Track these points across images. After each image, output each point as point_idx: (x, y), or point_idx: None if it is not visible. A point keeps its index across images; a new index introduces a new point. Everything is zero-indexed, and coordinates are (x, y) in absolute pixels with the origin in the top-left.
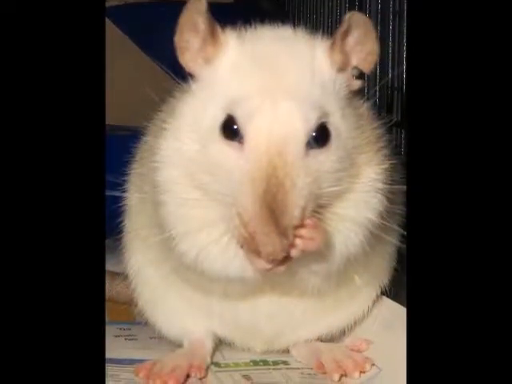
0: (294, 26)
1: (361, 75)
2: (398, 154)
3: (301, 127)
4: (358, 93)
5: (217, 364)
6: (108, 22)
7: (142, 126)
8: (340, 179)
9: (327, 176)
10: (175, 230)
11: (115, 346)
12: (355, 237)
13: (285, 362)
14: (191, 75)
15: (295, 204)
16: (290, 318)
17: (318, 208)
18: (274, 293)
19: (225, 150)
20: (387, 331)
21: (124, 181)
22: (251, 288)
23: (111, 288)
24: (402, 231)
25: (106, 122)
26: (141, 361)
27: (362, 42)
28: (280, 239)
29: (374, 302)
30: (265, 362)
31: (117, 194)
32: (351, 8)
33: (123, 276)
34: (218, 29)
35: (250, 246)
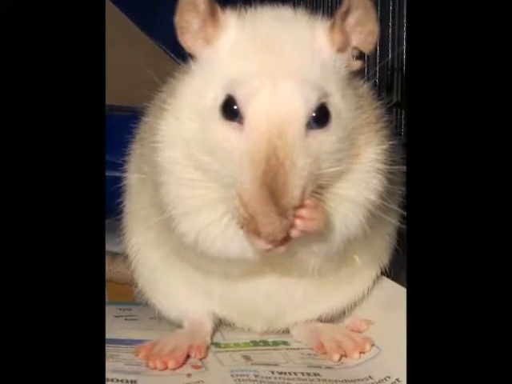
0: (294, 7)
1: (361, 56)
2: (398, 134)
3: (301, 107)
4: (358, 73)
5: (217, 344)
6: (108, 2)
7: (142, 106)
8: (340, 159)
9: (327, 156)
10: (175, 211)
11: (115, 327)
12: (355, 217)
13: (285, 343)
14: (191, 56)
15: (295, 184)
16: (290, 299)
17: (318, 188)
18: (274, 273)
19: (225, 130)
20: (387, 311)
21: (124, 161)
22: (251, 268)
23: (111, 268)
24: (402, 212)
25: (106, 103)
26: (141, 341)
27: (362, 23)
28: (280, 219)
29: (374, 283)
30: (265, 343)
31: (117, 174)
32: None
33: (123, 256)
34: (218, 9)
35: (250, 226)
